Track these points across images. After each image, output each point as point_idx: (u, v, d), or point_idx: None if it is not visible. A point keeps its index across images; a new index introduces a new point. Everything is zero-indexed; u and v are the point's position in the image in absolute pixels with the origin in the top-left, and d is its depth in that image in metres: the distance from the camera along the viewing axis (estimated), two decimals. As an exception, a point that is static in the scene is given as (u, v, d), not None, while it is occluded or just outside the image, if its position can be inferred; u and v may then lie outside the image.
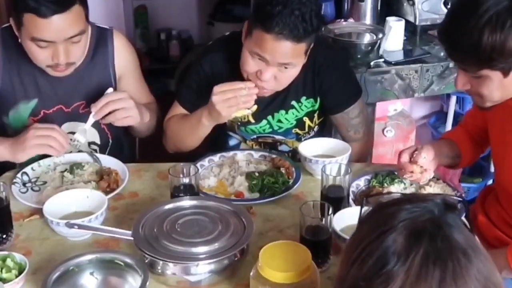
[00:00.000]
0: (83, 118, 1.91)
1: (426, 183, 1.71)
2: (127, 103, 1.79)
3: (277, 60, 1.72)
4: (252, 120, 1.98)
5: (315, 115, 2.01)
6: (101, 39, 1.92)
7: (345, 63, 2.04)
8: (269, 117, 1.99)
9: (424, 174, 1.65)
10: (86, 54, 1.88)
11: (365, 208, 0.97)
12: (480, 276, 0.78)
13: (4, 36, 1.86)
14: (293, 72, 1.79)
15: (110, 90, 1.85)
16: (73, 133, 1.90)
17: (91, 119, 1.80)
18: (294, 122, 2.00)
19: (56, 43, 1.70)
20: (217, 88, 1.72)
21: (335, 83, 1.93)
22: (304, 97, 1.96)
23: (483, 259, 0.81)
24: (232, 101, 1.71)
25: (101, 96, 1.85)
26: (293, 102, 1.96)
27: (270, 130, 2.02)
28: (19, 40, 1.76)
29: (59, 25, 1.67)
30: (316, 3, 1.74)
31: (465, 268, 0.78)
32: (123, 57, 1.97)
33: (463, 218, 0.87)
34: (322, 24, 1.77)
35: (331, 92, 1.94)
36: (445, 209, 0.84)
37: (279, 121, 2.00)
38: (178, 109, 1.99)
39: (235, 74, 1.82)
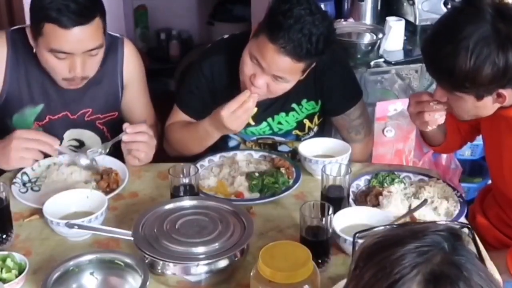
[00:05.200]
0: (88, 126, 1.93)
1: (427, 182, 1.72)
2: (153, 140, 1.79)
3: (272, 72, 1.72)
4: (252, 122, 1.98)
5: (315, 116, 2.01)
6: (111, 47, 1.90)
7: (345, 65, 2.03)
8: (269, 119, 1.98)
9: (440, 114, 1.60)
10: None
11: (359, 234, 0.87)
12: None
13: (13, 39, 1.83)
14: (285, 86, 1.78)
15: (144, 120, 1.84)
16: (76, 139, 1.92)
17: (120, 137, 1.76)
18: (295, 124, 2.00)
19: (74, 55, 1.69)
20: (226, 111, 1.70)
21: (336, 86, 1.92)
22: (305, 100, 1.95)
23: None
24: (244, 117, 1.73)
25: (109, 104, 1.91)
26: (294, 105, 1.95)
27: (270, 132, 2.01)
28: (34, 51, 1.74)
29: (79, 37, 1.66)
30: (329, 27, 1.70)
31: None
32: (131, 66, 1.96)
33: (471, 244, 0.80)
34: (329, 48, 1.72)
35: (332, 95, 1.94)
36: (453, 239, 0.76)
37: (279, 123, 1.99)
38: (179, 115, 1.98)
39: (235, 78, 1.82)
